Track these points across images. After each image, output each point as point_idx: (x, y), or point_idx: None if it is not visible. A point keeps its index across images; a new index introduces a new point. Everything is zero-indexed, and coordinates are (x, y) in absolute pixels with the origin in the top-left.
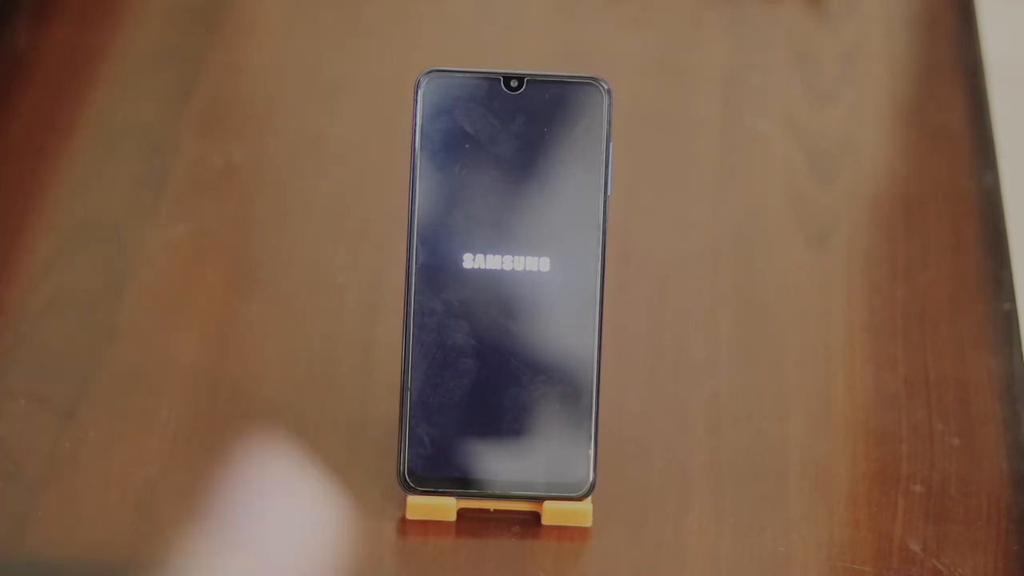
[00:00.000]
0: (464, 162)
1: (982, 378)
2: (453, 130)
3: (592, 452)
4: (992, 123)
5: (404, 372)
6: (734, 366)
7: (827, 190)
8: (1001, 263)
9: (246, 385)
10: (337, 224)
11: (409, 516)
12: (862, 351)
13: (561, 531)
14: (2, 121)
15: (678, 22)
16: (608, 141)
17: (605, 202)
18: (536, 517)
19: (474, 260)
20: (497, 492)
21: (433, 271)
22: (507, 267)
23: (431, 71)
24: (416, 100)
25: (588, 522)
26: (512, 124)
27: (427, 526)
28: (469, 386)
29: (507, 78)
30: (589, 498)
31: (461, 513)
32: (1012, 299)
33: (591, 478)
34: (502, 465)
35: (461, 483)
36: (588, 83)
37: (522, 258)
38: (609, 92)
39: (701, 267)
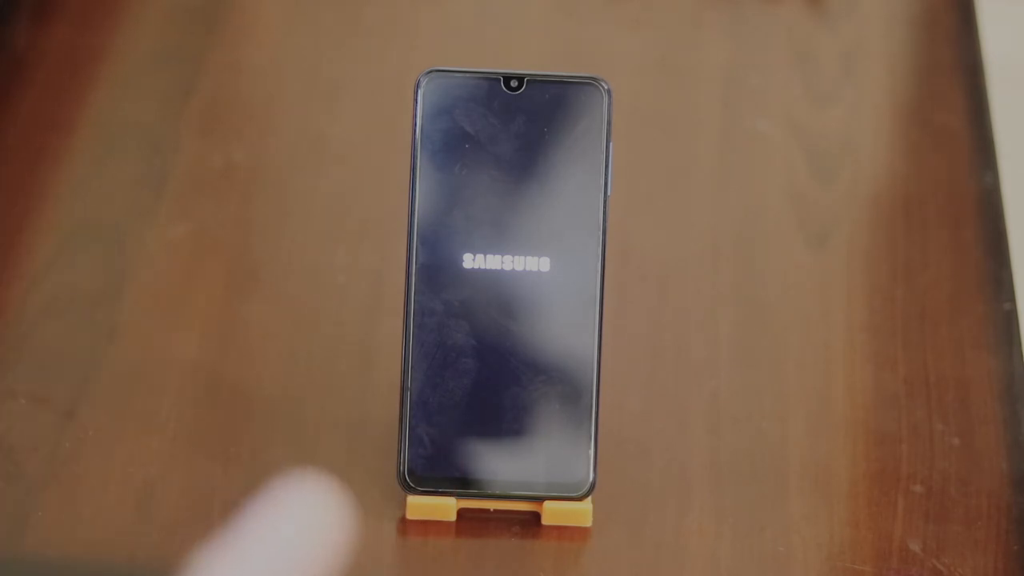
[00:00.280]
0: (464, 162)
1: (982, 378)
2: (453, 130)
3: (592, 452)
4: (992, 123)
5: (404, 372)
6: (734, 366)
7: (827, 190)
8: (1001, 263)
9: (246, 385)
10: (337, 224)
11: (409, 516)
12: (862, 351)
13: (561, 531)
14: (2, 121)
15: (678, 22)
16: (608, 141)
17: (605, 202)
18: (536, 517)
19: (474, 260)
20: (497, 492)
21: (433, 271)
22: (507, 267)
23: (431, 71)
24: (416, 100)
25: (588, 522)
26: (512, 124)
27: (427, 526)
28: (469, 386)
29: (507, 78)
30: (589, 498)
31: (461, 513)
32: (1012, 299)
33: (591, 478)
34: (502, 465)
35: (461, 483)
36: (588, 83)
37: (522, 258)
38: (609, 92)
39: (701, 267)
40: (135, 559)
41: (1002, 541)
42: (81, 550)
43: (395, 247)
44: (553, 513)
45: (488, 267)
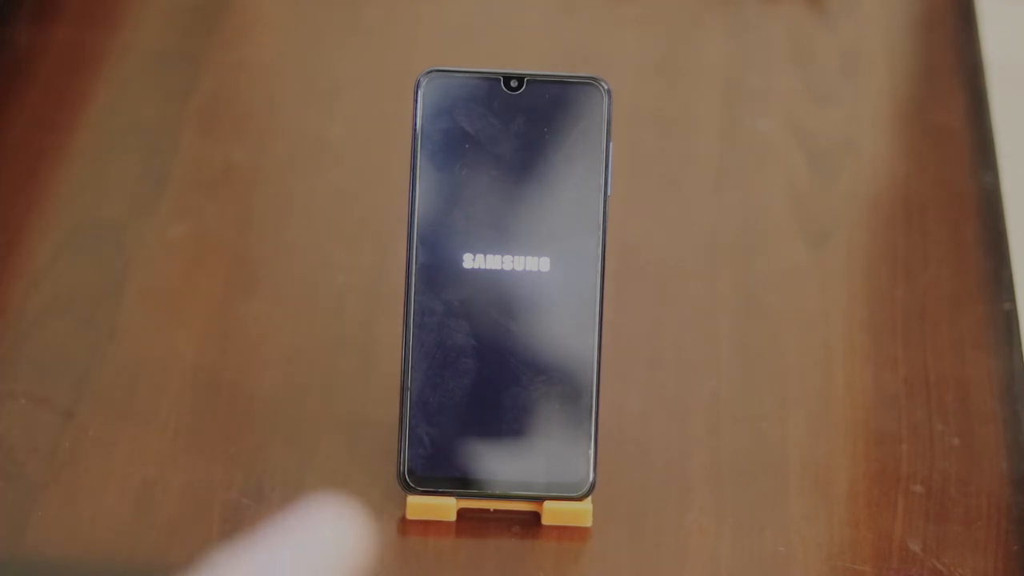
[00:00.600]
0: (464, 162)
1: (982, 378)
2: (453, 130)
3: (592, 452)
4: (992, 123)
5: (404, 372)
6: (734, 366)
7: (827, 190)
8: (1001, 263)
9: (246, 385)
10: (337, 224)
11: (409, 516)
12: (862, 351)
13: (561, 531)
14: (2, 121)
15: (678, 22)
16: (608, 141)
17: (605, 202)
18: (536, 517)
19: (474, 260)
20: (497, 492)
21: (433, 271)
22: (507, 267)
23: (431, 71)
24: (416, 100)
25: (588, 522)
26: (512, 124)
27: (427, 526)
28: (469, 386)
29: (507, 78)
30: (589, 498)
31: (461, 513)
32: (1012, 299)
33: (591, 478)
34: (502, 465)
35: (461, 483)
36: (588, 83)
37: (522, 258)
38: (609, 92)
39: (701, 267)
40: (135, 559)
41: (1002, 541)
42: (81, 550)
43: (395, 247)
44: (553, 513)
45: (488, 267)
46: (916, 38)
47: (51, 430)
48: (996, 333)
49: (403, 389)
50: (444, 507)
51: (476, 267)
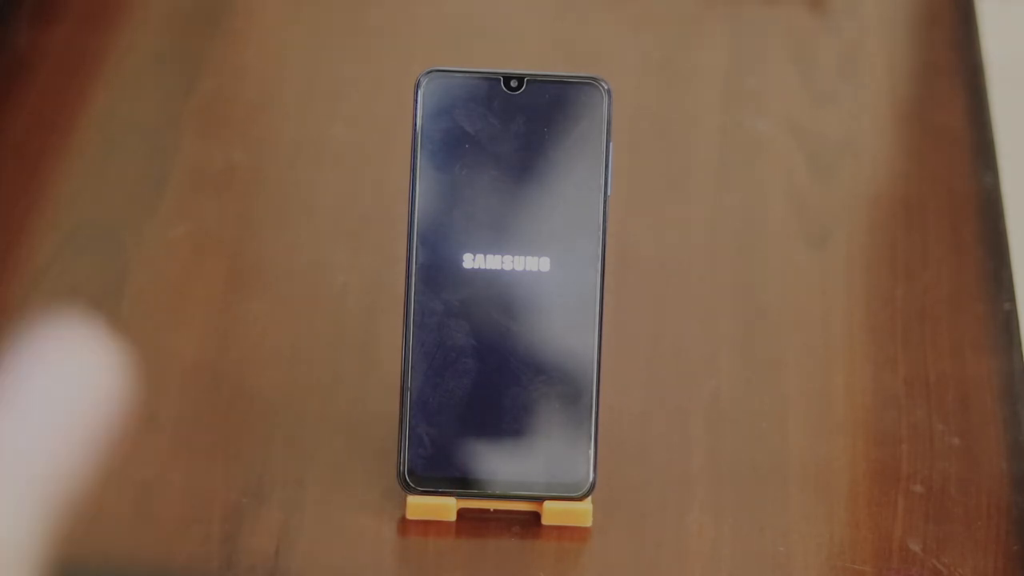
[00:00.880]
0: (464, 162)
1: (982, 378)
2: (453, 130)
3: (592, 452)
4: (992, 123)
5: (404, 372)
6: (734, 366)
7: (827, 190)
8: (1001, 263)
9: (246, 385)
10: (337, 224)
11: (409, 516)
12: (862, 351)
13: (561, 531)
14: (2, 121)
15: (678, 22)
16: (608, 141)
17: (605, 202)
18: (536, 517)
19: (474, 260)
20: (497, 492)
21: (433, 271)
22: (507, 267)
23: (431, 71)
24: (416, 100)
25: (588, 522)
26: (512, 124)
27: (427, 526)
28: (469, 386)
29: (507, 78)
30: (589, 498)
31: (461, 513)
32: (1012, 299)
33: (591, 478)
34: (502, 465)
35: (461, 483)
36: (588, 83)
37: (522, 258)
38: (609, 92)
39: (701, 267)
40: (135, 559)
41: (1002, 541)
42: (81, 550)
43: (395, 247)
44: (553, 513)
45: (488, 267)
46: (916, 38)
47: None
48: (996, 333)
49: (403, 389)
50: (444, 507)
51: (476, 267)
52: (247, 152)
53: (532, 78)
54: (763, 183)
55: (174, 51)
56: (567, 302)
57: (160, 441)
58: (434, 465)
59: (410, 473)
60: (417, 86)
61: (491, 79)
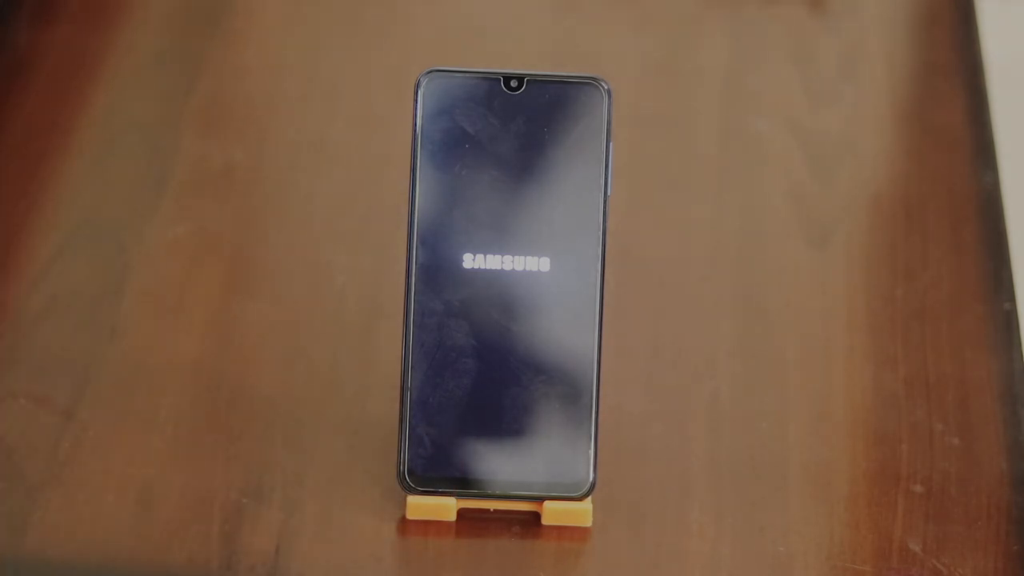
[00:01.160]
0: (464, 162)
1: (982, 378)
2: (453, 130)
3: (592, 452)
4: (992, 123)
5: (404, 372)
6: (734, 366)
7: (827, 190)
8: (1001, 263)
9: (246, 385)
10: (337, 224)
11: (409, 516)
12: (862, 351)
13: (561, 531)
14: (2, 121)
15: (678, 22)
16: (608, 141)
17: (605, 202)
18: (536, 517)
19: (474, 260)
20: (497, 492)
21: (433, 271)
22: (507, 267)
23: (431, 71)
24: (416, 100)
25: (588, 522)
26: (512, 124)
27: (427, 526)
28: (469, 386)
29: (507, 78)
30: (589, 498)
31: (461, 513)
32: (1012, 299)
33: (591, 478)
34: (502, 465)
35: (461, 483)
36: (588, 83)
37: (522, 258)
38: (609, 92)
39: (701, 267)
40: (135, 559)
41: (1002, 541)
42: (81, 550)
43: (395, 247)
44: (553, 513)
45: (488, 267)
46: (916, 38)
47: (51, 430)
48: (996, 333)
49: (403, 389)
50: (444, 507)
51: (476, 267)
52: (247, 152)
53: (532, 78)
54: (763, 183)
55: (174, 51)
56: (567, 302)
57: (160, 441)
58: (434, 465)
59: (410, 473)
60: (417, 86)
61: (491, 79)
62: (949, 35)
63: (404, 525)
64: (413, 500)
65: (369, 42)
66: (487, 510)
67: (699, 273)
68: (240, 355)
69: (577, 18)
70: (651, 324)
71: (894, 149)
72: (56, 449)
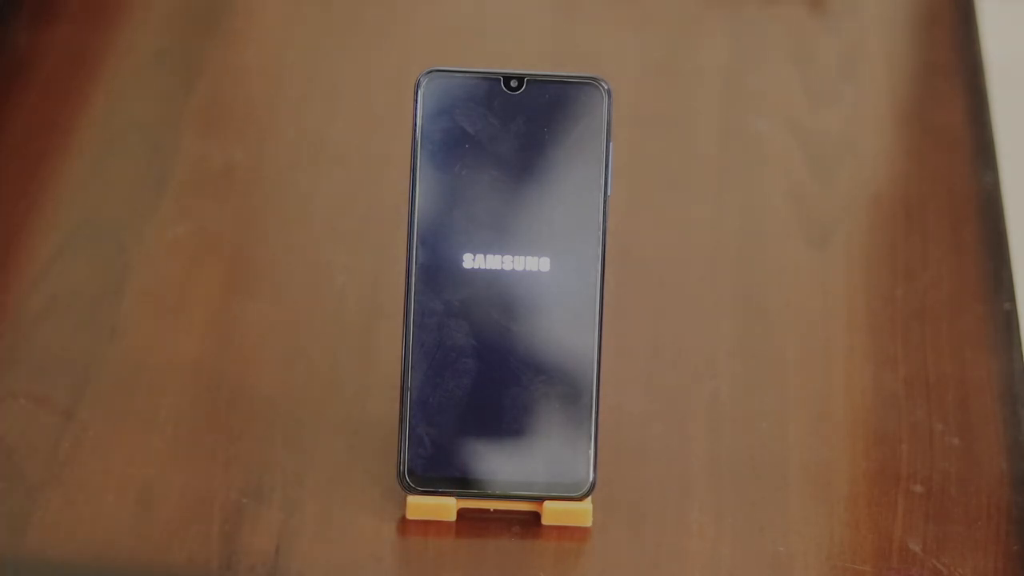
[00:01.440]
0: (464, 162)
1: (982, 378)
2: (453, 130)
3: (592, 452)
4: (992, 123)
5: (404, 372)
6: (734, 366)
7: (827, 190)
8: (1001, 263)
9: (246, 385)
10: (337, 224)
11: (409, 516)
12: (862, 351)
13: (561, 531)
14: (2, 121)
15: (678, 22)
16: (608, 141)
17: (605, 202)
18: (536, 517)
19: (474, 260)
20: (497, 492)
21: (433, 271)
22: (507, 267)
23: (431, 71)
24: (416, 100)
25: (588, 522)
26: (512, 124)
27: (427, 526)
28: (469, 386)
29: (507, 78)
30: (589, 498)
31: (461, 513)
32: (1012, 299)
33: (591, 478)
34: (502, 465)
35: (461, 483)
36: (588, 83)
37: (522, 258)
38: (609, 92)
39: (701, 267)
40: (135, 559)
41: (1002, 541)
42: (81, 550)
43: (395, 247)
44: (553, 513)
45: (488, 267)
46: (916, 38)
47: (51, 430)
48: (996, 333)
49: (403, 389)
50: (444, 507)
51: (476, 267)
52: (247, 152)
53: (532, 78)
54: (763, 183)
55: (174, 51)
56: (567, 302)
57: (160, 441)
58: (434, 465)
59: (410, 473)
60: (417, 86)
61: (491, 79)
62: (949, 35)
63: (404, 525)
64: (413, 500)
65: (369, 42)
66: (487, 510)
67: (699, 273)
68: (240, 355)
69: (577, 18)
70: (651, 324)
71: (894, 149)
72: (56, 449)
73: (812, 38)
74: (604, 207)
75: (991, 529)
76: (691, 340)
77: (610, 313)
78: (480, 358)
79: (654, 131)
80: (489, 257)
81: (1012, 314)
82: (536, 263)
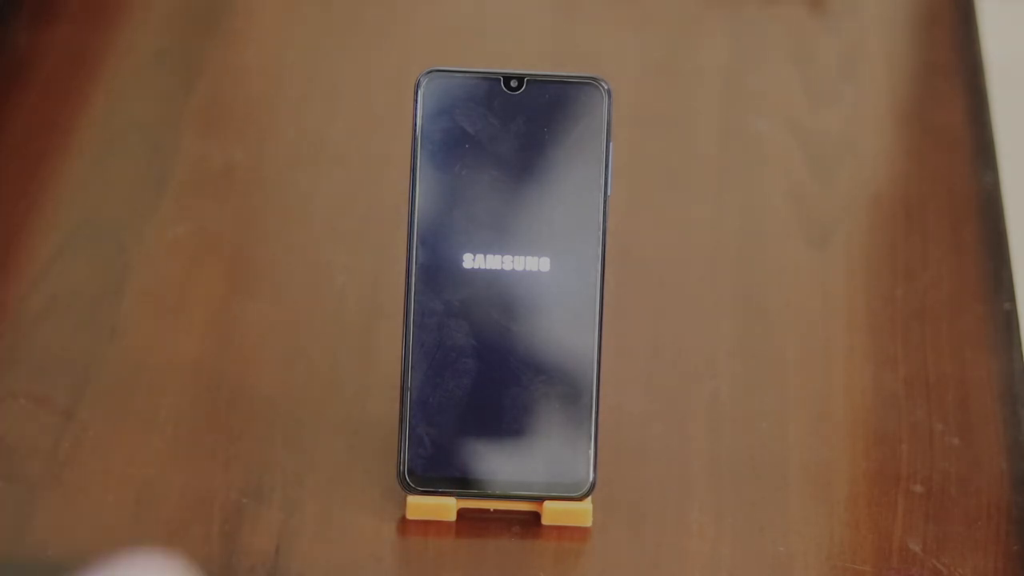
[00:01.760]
0: (464, 162)
1: (982, 378)
2: (453, 130)
3: (592, 452)
4: (992, 123)
5: (404, 372)
6: (734, 366)
7: (827, 190)
8: (1001, 263)
9: (246, 385)
10: (337, 224)
11: (409, 516)
12: (862, 351)
13: (561, 531)
14: (2, 121)
15: (678, 22)
16: (608, 141)
17: (605, 202)
18: (536, 517)
19: (474, 260)
20: (497, 492)
21: (433, 271)
22: (507, 267)
23: (431, 71)
24: (416, 100)
25: (588, 522)
26: (512, 124)
27: (427, 526)
28: (469, 386)
29: (507, 78)
30: (589, 498)
31: (461, 513)
32: (1012, 299)
33: (591, 478)
34: (502, 465)
35: (461, 483)
36: (588, 83)
37: (522, 258)
38: (609, 92)
39: (701, 267)
40: None
41: (1002, 541)
42: (81, 550)
43: (395, 247)
44: (553, 513)
45: (488, 267)
46: (916, 38)
47: (51, 430)
48: (996, 333)
49: (403, 389)
50: (444, 507)
51: (476, 267)
52: (247, 152)
53: (532, 78)
54: (763, 183)
55: (174, 51)
56: (567, 302)
57: (160, 441)
58: (434, 465)
59: (410, 473)
60: (417, 86)
61: (491, 79)
62: (949, 35)
63: (404, 525)
64: (413, 500)
65: (369, 42)
66: (487, 510)
67: (699, 273)
68: (240, 355)
69: (577, 18)
70: (651, 324)
71: (894, 149)
72: (56, 449)
73: (812, 38)
74: (604, 207)
75: (991, 529)
76: (691, 340)
77: (610, 313)
78: (480, 358)
79: (654, 131)
80: (489, 257)
81: (1012, 314)
82: (536, 263)
